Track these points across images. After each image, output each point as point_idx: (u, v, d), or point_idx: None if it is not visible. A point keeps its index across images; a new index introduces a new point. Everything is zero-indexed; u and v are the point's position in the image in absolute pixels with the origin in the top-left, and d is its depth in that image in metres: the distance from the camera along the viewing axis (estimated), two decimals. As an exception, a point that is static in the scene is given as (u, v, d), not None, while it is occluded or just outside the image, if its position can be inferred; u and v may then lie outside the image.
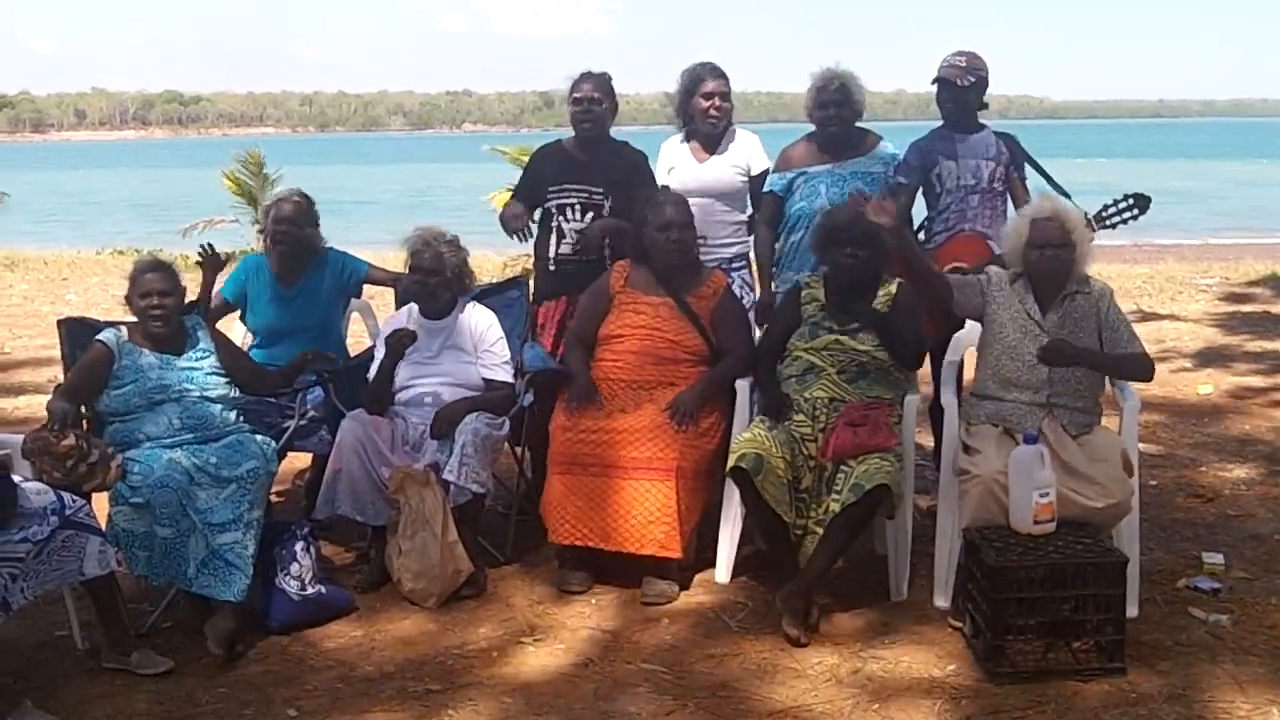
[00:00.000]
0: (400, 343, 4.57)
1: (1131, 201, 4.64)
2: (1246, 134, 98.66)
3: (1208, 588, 4.31)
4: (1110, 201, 4.68)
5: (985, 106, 4.99)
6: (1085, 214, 4.63)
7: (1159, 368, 7.90)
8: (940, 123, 5.01)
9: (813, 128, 4.98)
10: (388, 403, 4.66)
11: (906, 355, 4.41)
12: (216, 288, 4.96)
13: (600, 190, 4.97)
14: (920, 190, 4.96)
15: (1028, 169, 4.98)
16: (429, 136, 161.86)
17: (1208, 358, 8.26)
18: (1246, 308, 10.47)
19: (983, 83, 4.90)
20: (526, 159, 5.59)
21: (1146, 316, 9.85)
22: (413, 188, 42.79)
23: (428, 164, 62.38)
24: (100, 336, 4.25)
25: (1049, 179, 4.86)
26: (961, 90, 4.85)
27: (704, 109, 5.03)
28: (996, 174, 4.86)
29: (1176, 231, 19.29)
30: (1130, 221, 4.65)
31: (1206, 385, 7.37)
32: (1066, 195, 4.81)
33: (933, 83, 4.93)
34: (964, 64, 4.87)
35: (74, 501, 3.70)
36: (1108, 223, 4.63)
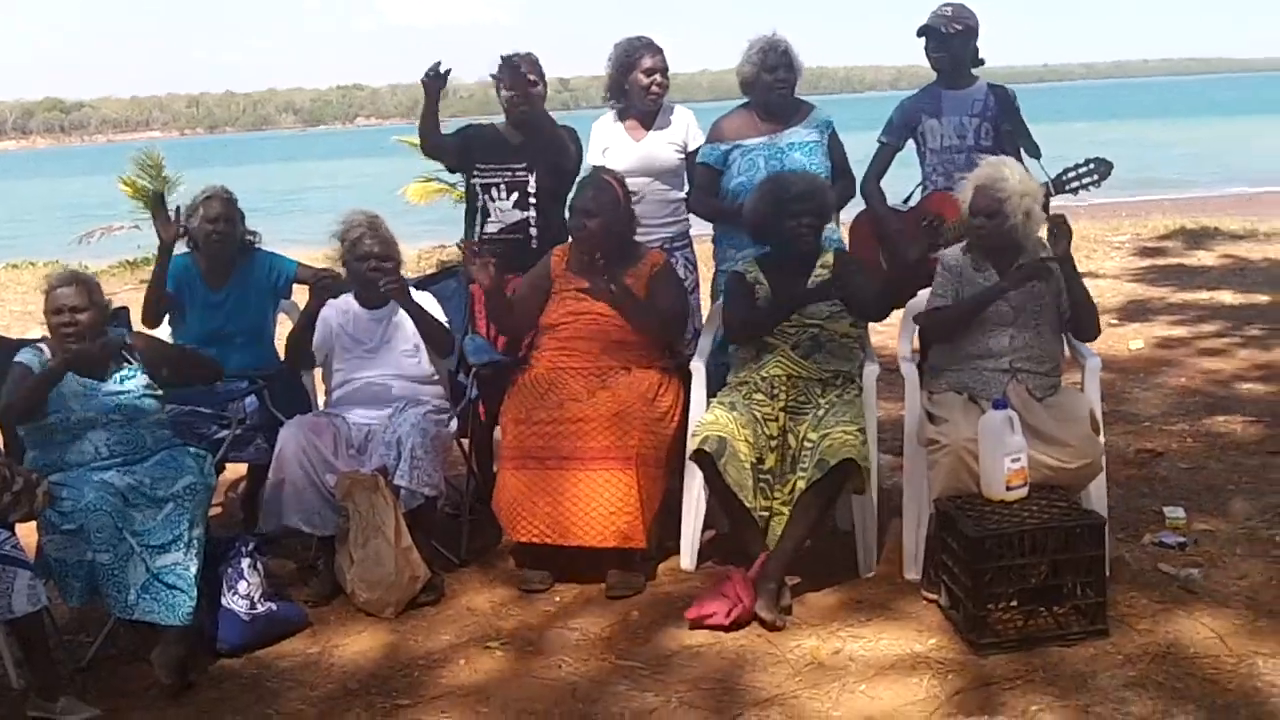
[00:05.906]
0: (326, 289, 4.33)
1: (1092, 166, 4.56)
2: (1126, 94, 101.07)
3: (1173, 542, 4.30)
4: (1070, 166, 4.60)
5: (981, 62, 4.89)
6: (1047, 178, 4.57)
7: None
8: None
9: (737, 101, 4.87)
10: (308, 356, 4.50)
11: (870, 311, 4.34)
12: None
13: (523, 165, 4.81)
14: (915, 149, 4.91)
15: None
16: (321, 133, 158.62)
17: (1132, 313, 8.36)
18: (1161, 261, 10.65)
19: (970, 32, 4.81)
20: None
21: (1067, 275, 9.94)
22: (307, 185, 41.70)
23: (328, 160, 61.02)
24: (20, 358, 3.90)
25: (1026, 138, 4.78)
26: (947, 38, 4.77)
27: (644, 85, 4.89)
28: (983, 130, 4.77)
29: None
30: (1092, 187, 4.57)
31: (1137, 340, 7.43)
32: (1037, 157, 4.73)
33: (919, 34, 4.84)
34: (949, 13, 4.79)
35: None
36: (1067, 187, 4.56)
